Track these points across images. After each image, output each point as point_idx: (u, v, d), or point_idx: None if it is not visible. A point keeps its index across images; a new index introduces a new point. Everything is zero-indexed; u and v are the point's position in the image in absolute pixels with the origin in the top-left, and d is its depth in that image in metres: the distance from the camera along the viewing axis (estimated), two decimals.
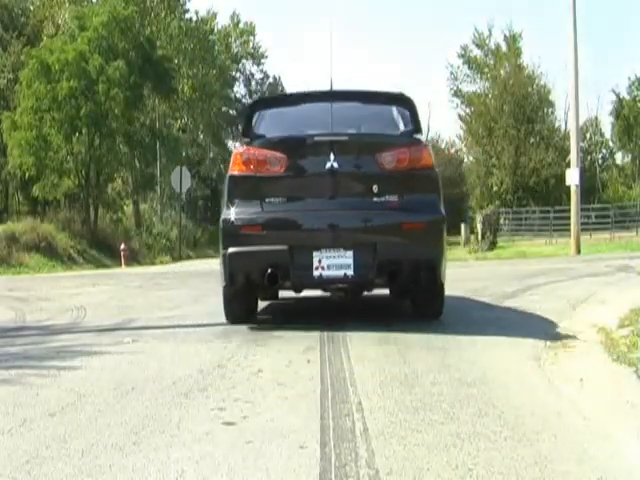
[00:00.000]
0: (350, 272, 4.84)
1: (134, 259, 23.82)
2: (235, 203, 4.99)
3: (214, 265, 7.26)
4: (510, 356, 4.16)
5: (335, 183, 4.91)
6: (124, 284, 10.73)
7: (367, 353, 4.25)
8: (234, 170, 5.03)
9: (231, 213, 4.96)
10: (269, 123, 5.33)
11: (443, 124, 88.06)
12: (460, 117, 43.36)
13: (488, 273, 11.20)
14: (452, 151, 36.14)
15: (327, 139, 4.99)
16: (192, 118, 42.88)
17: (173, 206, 36.80)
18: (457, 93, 44.38)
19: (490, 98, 40.50)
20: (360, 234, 4.85)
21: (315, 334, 4.94)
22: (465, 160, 39.35)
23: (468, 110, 42.57)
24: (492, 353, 4.26)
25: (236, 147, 5.28)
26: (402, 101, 5.39)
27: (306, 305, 6.78)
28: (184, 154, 37.01)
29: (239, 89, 53.53)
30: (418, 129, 5.27)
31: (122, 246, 22.57)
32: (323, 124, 5.16)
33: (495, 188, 38.60)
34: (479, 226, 22.58)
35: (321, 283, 4.99)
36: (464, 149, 41.69)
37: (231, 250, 4.90)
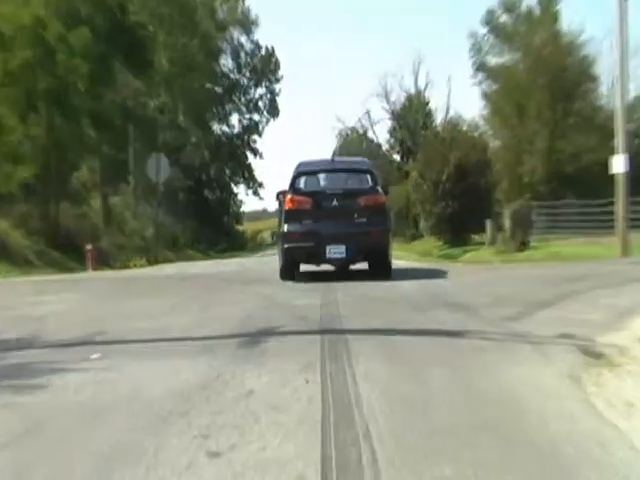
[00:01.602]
0: (344, 255, 11.56)
1: (103, 262, 23.83)
2: (288, 223, 11.56)
3: (195, 269, 7.91)
4: (543, 375, 4.15)
5: (337, 213, 11.50)
6: (91, 291, 10.71)
7: (374, 371, 4.27)
8: (287, 206, 11.64)
9: (286, 228, 11.54)
10: (303, 182, 12.09)
11: (465, 103, 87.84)
12: (485, 95, 43.31)
13: (518, 277, 11.17)
14: (475, 134, 36.04)
15: (332, 191, 11.74)
16: (171, 96, 42.79)
17: (149, 200, 36.77)
18: (482, 67, 44.23)
19: (521, 72, 40.42)
20: (349, 237, 11.44)
21: (315, 350, 4.98)
22: (491, 145, 39.22)
23: (495, 86, 42.49)
24: (521, 370, 4.25)
25: (287, 194, 11.80)
26: (369, 171, 12.47)
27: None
28: (162, 139, 36.96)
29: (226, 62, 53.16)
30: (377, 184, 12.10)
31: (88, 247, 22.55)
32: (330, 183, 12.12)
33: (526, 178, 38.52)
34: (507, 223, 22.57)
35: (330, 260, 11.72)
36: (490, 132, 41.63)
37: (286, 245, 11.50)
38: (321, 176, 12.56)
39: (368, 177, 12.34)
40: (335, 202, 11.62)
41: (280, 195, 12.36)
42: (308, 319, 6.66)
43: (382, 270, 11.73)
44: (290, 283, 11.12)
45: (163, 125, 38.96)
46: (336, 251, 11.51)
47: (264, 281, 11.73)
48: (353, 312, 7.06)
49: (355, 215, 11.56)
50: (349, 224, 11.51)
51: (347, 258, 11.63)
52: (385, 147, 51.45)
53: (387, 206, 12.34)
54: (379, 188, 12.19)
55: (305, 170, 12.46)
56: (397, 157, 45.34)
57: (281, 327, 6.17)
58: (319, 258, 11.66)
